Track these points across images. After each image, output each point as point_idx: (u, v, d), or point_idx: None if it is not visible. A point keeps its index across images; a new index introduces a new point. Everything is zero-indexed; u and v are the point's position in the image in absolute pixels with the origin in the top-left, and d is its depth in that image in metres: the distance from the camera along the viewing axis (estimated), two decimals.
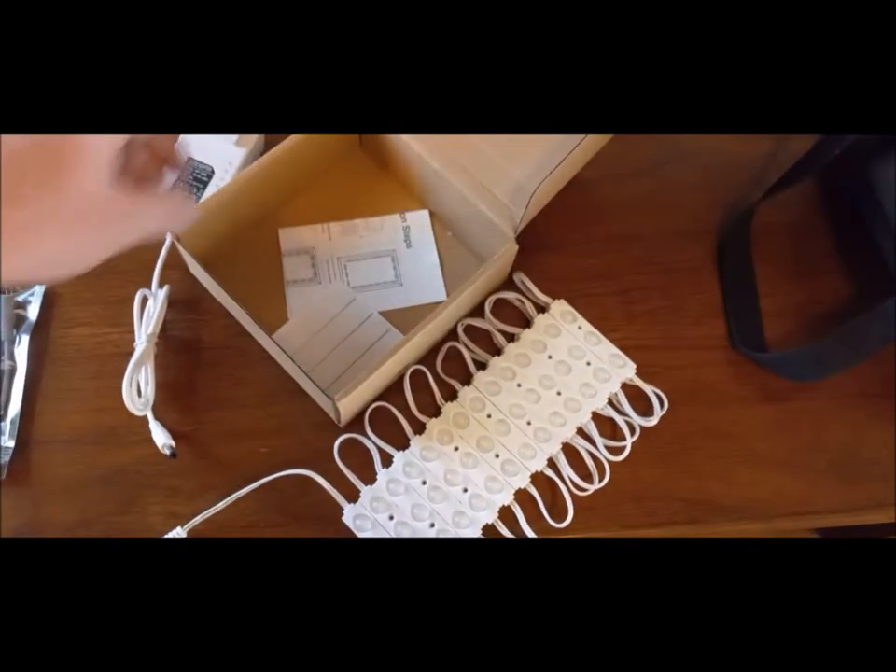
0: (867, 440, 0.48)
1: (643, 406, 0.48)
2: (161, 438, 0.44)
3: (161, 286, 0.47)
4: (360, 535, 0.43)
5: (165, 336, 0.48)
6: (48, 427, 0.46)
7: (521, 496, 0.45)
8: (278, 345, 0.43)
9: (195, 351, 0.48)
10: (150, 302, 0.47)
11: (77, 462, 0.45)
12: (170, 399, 0.47)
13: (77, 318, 0.49)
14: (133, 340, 0.46)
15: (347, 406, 0.42)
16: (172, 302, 0.49)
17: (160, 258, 0.47)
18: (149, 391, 0.45)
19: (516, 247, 0.47)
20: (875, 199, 0.51)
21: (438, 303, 0.45)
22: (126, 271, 0.49)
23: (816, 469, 0.47)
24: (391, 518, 0.44)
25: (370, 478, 0.45)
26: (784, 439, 0.48)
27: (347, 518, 0.44)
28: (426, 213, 0.52)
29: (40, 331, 0.48)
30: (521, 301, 0.50)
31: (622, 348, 0.49)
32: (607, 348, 0.49)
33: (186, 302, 0.49)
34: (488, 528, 0.44)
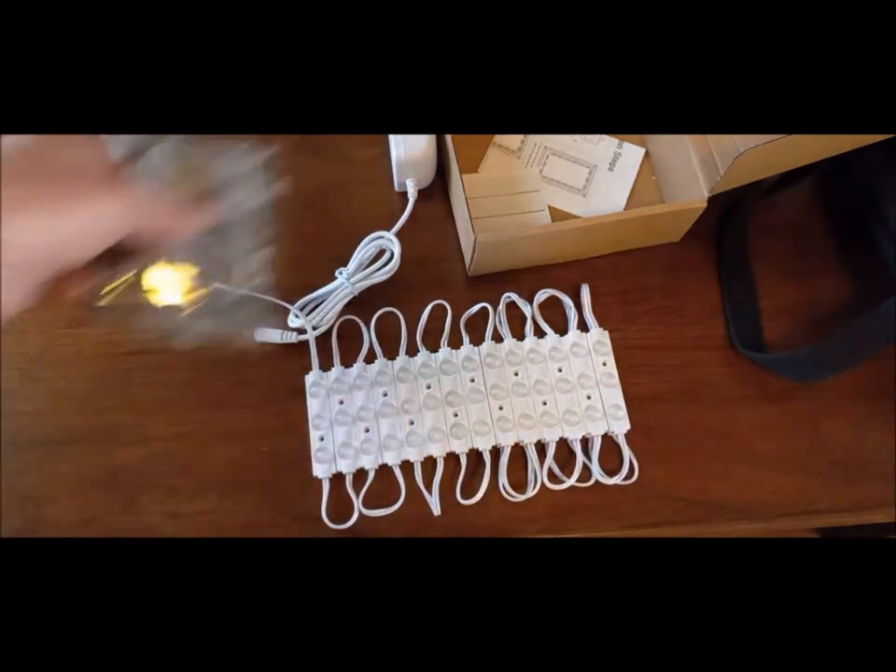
0: (867, 440, 0.48)
1: (612, 464, 0.47)
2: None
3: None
4: (310, 397, 0.47)
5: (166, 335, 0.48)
6: (48, 427, 0.46)
7: (451, 460, 0.46)
8: (461, 180, 0.47)
9: (195, 351, 0.48)
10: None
11: (77, 462, 0.45)
12: (170, 400, 0.47)
13: (78, 318, 0.49)
14: (133, 340, 0.46)
15: (483, 250, 0.46)
16: None
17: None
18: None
19: (704, 204, 0.47)
20: (875, 199, 0.51)
21: None
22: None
23: (816, 469, 0.47)
24: (341, 402, 0.47)
25: None
26: (784, 439, 0.48)
27: (308, 379, 0.47)
28: (642, 151, 0.55)
29: (41, 331, 0.48)
30: (571, 309, 0.50)
31: (621, 348, 0.49)
32: (614, 395, 0.48)
33: None
34: (406, 464, 0.46)
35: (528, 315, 0.50)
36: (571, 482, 0.46)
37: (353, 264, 0.48)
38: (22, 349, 0.48)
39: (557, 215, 0.53)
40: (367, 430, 0.46)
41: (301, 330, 0.48)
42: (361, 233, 0.48)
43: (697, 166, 0.47)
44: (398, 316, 0.49)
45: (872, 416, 0.48)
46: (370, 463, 0.45)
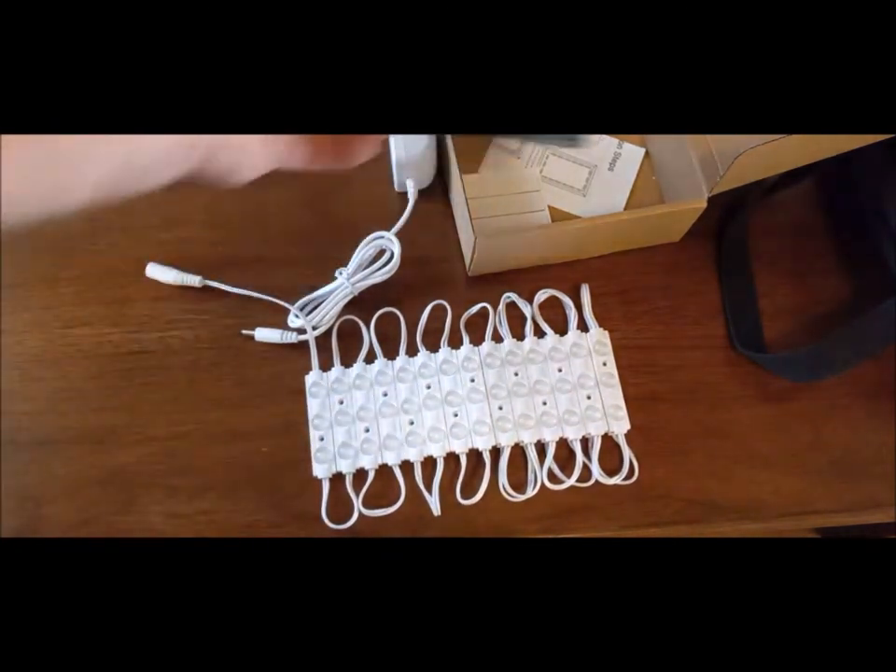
0: (867, 440, 0.48)
1: (612, 464, 0.47)
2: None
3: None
4: (310, 397, 0.47)
5: (166, 336, 0.48)
6: (47, 426, 0.46)
7: (451, 460, 0.46)
8: (461, 181, 0.47)
9: (195, 350, 0.48)
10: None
11: (77, 462, 0.45)
12: (171, 399, 0.47)
13: (78, 318, 0.49)
14: (133, 340, 0.46)
15: (483, 250, 0.46)
16: (172, 302, 0.49)
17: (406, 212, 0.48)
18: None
19: (704, 205, 0.47)
20: (875, 199, 0.51)
21: None
22: (126, 271, 0.49)
23: (816, 469, 0.47)
24: (341, 402, 0.47)
25: None
26: (784, 439, 0.48)
27: (308, 379, 0.47)
28: (642, 151, 0.55)
29: (41, 331, 0.48)
30: (571, 309, 0.50)
31: (621, 348, 0.49)
32: (615, 395, 0.48)
33: (186, 300, 0.49)
34: (405, 464, 0.46)
35: (528, 315, 0.50)
36: (571, 482, 0.46)
37: (353, 264, 0.48)
38: (22, 349, 0.48)
39: (557, 215, 0.53)
40: (367, 430, 0.46)
41: (301, 330, 0.48)
42: (361, 233, 0.48)
43: (697, 166, 0.47)
44: (398, 316, 0.49)
45: (872, 416, 0.48)
46: (369, 463, 0.45)
